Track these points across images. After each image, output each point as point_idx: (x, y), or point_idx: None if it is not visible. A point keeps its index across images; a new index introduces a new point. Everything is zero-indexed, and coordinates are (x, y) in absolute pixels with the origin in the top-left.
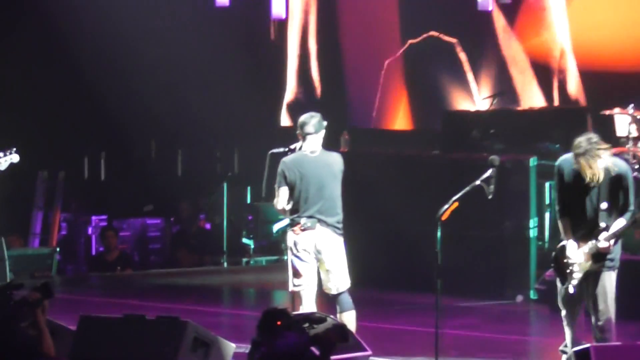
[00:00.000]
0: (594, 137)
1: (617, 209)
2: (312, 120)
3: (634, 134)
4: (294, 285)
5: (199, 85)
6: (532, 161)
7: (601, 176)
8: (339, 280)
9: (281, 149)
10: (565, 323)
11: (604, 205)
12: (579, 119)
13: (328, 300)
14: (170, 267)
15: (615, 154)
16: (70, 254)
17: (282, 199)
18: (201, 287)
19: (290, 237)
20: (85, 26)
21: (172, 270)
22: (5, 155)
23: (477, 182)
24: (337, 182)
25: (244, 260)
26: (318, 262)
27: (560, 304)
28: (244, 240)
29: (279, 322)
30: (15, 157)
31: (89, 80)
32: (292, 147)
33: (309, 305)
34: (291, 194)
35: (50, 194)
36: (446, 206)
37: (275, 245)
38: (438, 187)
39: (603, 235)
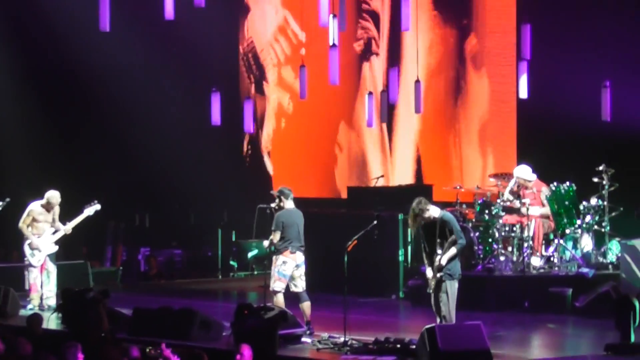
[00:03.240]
0: (421, 200)
1: (449, 243)
2: (289, 192)
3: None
4: (275, 288)
5: (201, 169)
6: (400, 216)
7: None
8: (303, 284)
9: (265, 205)
10: (437, 317)
11: (438, 240)
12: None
13: (292, 296)
14: (186, 279)
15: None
16: (128, 271)
17: (277, 236)
18: (206, 290)
19: (281, 258)
20: (137, 114)
21: (188, 280)
22: (92, 205)
23: (368, 228)
24: (302, 226)
25: (231, 274)
26: (292, 273)
27: (433, 307)
28: (231, 262)
29: (245, 311)
30: (98, 206)
31: (141, 163)
32: (272, 205)
33: (279, 300)
34: (282, 232)
35: (115, 234)
36: (350, 242)
37: (248, 266)
38: (347, 230)
39: (438, 258)
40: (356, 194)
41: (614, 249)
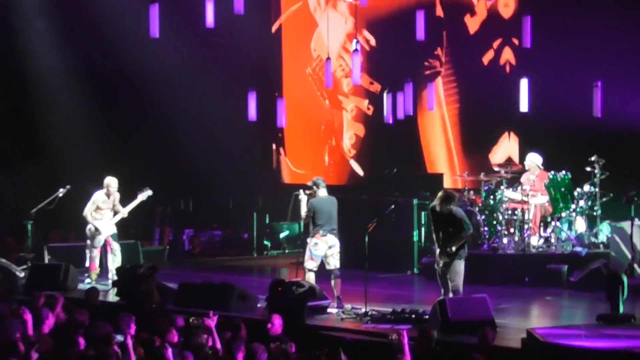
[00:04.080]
0: (446, 191)
1: (459, 232)
2: (322, 181)
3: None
4: (307, 266)
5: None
6: (415, 201)
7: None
8: (336, 262)
9: (300, 191)
10: (442, 289)
11: (450, 230)
12: (439, 181)
13: (326, 272)
14: (225, 257)
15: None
16: (174, 250)
17: (308, 219)
18: (242, 266)
19: (313, 240)
20: (183, 111)
21: (226, 258)
22: (144, 191)
23: (387, 212)
24: (336, 211)
25: (265, 252)
26: (325, 252)
27: (438, 280)
28: (265, 242)
29: (279, 288)
30: (150, 192)
31: (186, 154)
32: (307, 191)
33: (310, 277)
34: (314, 217)
35: (163, 217)
36: (370, 224)
37: (280, 245)
38: (368, 214)
39: (450, 245)
40: (376, 181)
41: (604, 230)
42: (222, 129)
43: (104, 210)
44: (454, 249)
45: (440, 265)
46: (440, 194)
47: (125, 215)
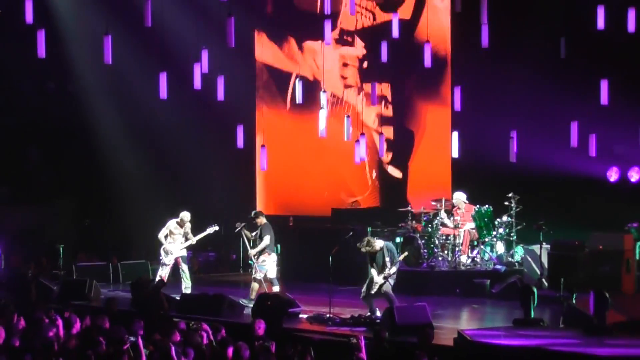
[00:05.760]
0: (368, 240)
1: (391, 263)
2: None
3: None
4: (256, 277)
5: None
6: (369, 229)
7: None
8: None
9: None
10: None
11: (387, 259)
12: (388, 213)
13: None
14: (217, 273)
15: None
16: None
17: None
18: (231, 281)
19: (271, 257)
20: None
21: (219, 274)
22: (212, 226)
23: (346, 237)
24: None
25: (249, 270)
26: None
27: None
28: (249, 261)
29: (268, 302)
30: (216, 227)
31: (188, 190)
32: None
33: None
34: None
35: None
36: (334, 249)
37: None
38: (332, 240)
39: (386, 271)
40: (338, 213)
41: (519, 252)
42: (213, 163)
43: (176, 236)
44: (391, 272)
45: (379, 284)
46: (363, 247)
47: (194, 242)
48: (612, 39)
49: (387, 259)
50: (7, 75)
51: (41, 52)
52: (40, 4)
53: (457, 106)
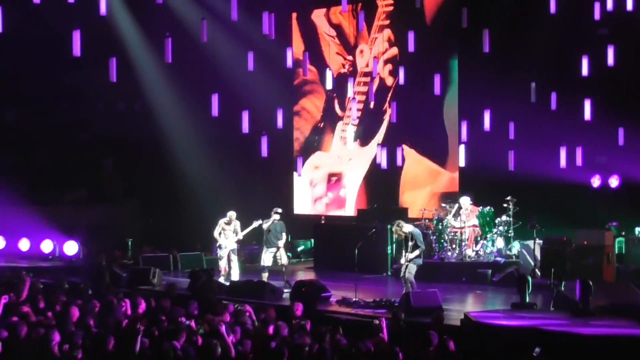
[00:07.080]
0: (398, 222)
1: (414, 246)
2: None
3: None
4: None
5: None
6: (389, 227)
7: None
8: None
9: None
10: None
11: (410, 244)
12: (405, 213)
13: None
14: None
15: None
16: None
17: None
18: (273, 270)
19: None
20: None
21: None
22: (257, 220)
23: (370, 234)
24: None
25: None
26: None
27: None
28: (287, 253)
29: (303, 289)
30: (261, 221)
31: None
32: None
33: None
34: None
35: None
36: (359, 244)
37: (298, 255)
38: (358, 236)
39: (408, 254)
40: (363, 212)
41: (516, 246)
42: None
43: (227, 232)
44: (411, 256)
45: (403, 266)
46: (394, 223)
47: (241, 237)
48: (592, 78)
49: (410, 243)
50: (85, 97)
51: (112, 76)
52: (110, 35)
53: (464, 137)
